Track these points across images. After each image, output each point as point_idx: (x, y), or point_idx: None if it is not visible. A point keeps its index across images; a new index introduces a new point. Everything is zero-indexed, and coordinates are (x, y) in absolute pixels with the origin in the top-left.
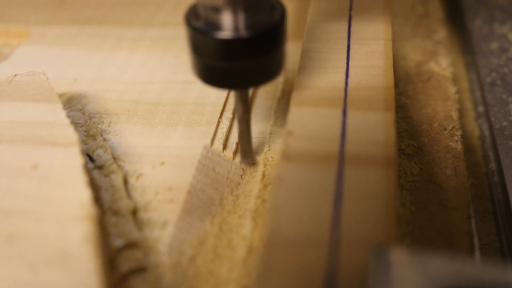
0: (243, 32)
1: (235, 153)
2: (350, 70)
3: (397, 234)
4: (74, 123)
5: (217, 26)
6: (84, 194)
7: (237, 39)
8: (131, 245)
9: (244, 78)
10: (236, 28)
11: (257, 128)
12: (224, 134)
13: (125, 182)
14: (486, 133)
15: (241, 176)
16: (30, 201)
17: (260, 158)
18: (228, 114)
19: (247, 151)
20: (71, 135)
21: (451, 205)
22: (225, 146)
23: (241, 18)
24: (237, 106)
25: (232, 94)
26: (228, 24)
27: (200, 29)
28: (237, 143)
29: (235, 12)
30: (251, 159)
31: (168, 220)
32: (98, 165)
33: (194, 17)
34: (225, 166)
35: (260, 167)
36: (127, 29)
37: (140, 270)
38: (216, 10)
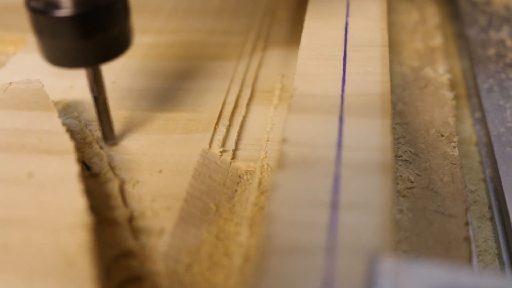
0: (82, 8)
1: (232, 158)
2: (347, 77)
3: (394, 242)
4: (70, 130)
5: (56, 5)
6: (79, 202)
7: (77, 15)
8: (127, 254)
9: (93, 55)
10: (75, 4)
11: (253, 135)
12: (221, 141)
13: (121, 190)
14: (483, 139)
15: (238, 183)
16: (25, 209)
17: (257, 165)
18: (225, 121)
19: (108, 132)
20: (67, 143)
21: (449, 211)
22: (222, 152)
23: None
24: (91, 86)
25: (85, 73)
26: (67, 1)
27: (40, 10)
28: (234, 150)
29: None
30: (114, 141)
31: (164, 228)
32: (94, 173)
33: None
34: (222, 174)
35: (257, 174)
36: None
37: (136, 279)
38: None
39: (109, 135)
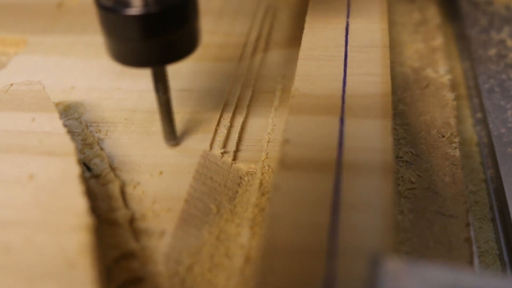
0: (153, 7)
1: (233, 159)
2: (348, 78)
3: (395, 243)
4: (71, 132)
5: (127, 3)
6: (80, 203)
7: (148, 14)
8: (128, 255)
9: (160, 55)
10: (146, 4)
11: (254, 136)
12: (222, 142)
13: (122, 191)
14: (484, 139)
15: (239, 184)
16: (26, 211)
17: (257, 166)
18: (226, 122)
19: (170, 132)
20: (68, 144)
21: (450, 212)
22: (223, 152)
23: None
24: (156, 86)
25: (151, 72)
26: (138, 0)
27: (110, 8)
28: (235, 151)
29: None
30: (176, 142)
31: (165, 229)
32: (95, 174)
33: None
34: (222, 175)
35: (258, 175)
36: None
37: (137, 280)
38: None
39: (170, 135)
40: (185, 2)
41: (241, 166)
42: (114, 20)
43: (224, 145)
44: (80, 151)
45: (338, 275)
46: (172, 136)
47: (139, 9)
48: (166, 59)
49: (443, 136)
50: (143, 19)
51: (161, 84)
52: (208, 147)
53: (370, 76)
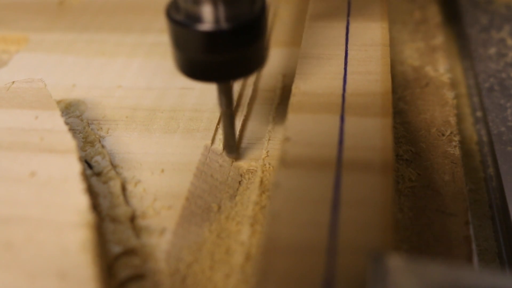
0: (224, 24)
1: (233, 162)
2: (348, 76)
3: (394, 241)
4: (72, 129)
5: (198, 19)
6: (82, 201)
7: (218, 31)
8: (129, 252)
9: (227, 71)
10: (217, 20)
11: (255, 134)
12: (222, 140)
13: (123, 188)
14: (484, 138)
15: (239, 182)
16: (28, 208)
17: (258, 164)
18: None
19: (231, 145)
20: (69, 142)
21: (449, 210)
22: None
23: (222, 10)
24: (220, 100)
25: (216, 86)
26: (209, 16)
27: (181, 22)
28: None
29: (215, 4)
30: (236, 154)
31: (166, 227)
32: (96, 172)
33: (175, 10)
34: (223, 173)
35: (258, 173)
36: (125, 35)
37: (138, 277)
38: (197, 2)
39: (231, 149)
40: (255, 20)
41: (242, 164)
42: (184, 35)
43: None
44: (81, 148)
45: (338, 272)
46: (233, 149)
47: (210, 25)
48: (233, 75)
49: (443, 135)
50: (213, 36)
51: (225, 98)
52: (209, 145)
53: (370, 74)
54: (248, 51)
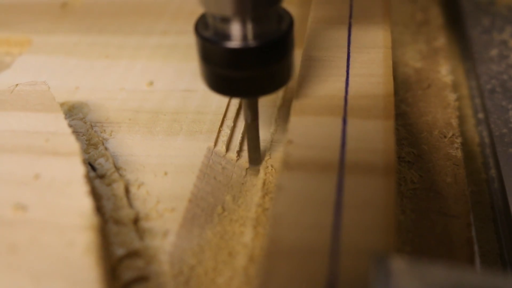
0: (251, 42)
1: (237, 157)
2: (350, 79)
3: (397, 243)
4: (76, 132)
5: (226, 36)
6: (86, 203)
7: (245, 48)
8: (133, 254)
9: (253, 87)
10: (244, 38)
11: None
12: (225, 142)
13: (127, 191)
14: (486, 140)
15: (242, 184)
16: (32, 210)
17: (261, 166)
18: (229, 122)
19: (256, 157)
20: (73, 144)
21: (451, 212)
22: (227, 150)
23: (250, 27)
24: (245, 113)
25: (242, 101)
26: (236, 34)
27: (209, 39)
28: (238, 151)
29: (243, 21)
30: (260, 165)
31: (169, 229)
32: (99, 174)
33: (203, 26)
34: (226, 175)
35: (261, 175)
36: (128, 38)
37: (142, 279)
38: (225, 19)
39: (255, 161)
40: (283, 38)
41: (245, 166)
42: (212, 51)
43: (228, 145)
44: (84, 151)
45: (340, 274)
46: (257, 161)
47: (237, 42)
48: (260, 91)
49: (445, 137)
50: (240, 53)
51: (250, 113)
52: (212, 147)
53: (372, 77)
54: (275, 67)
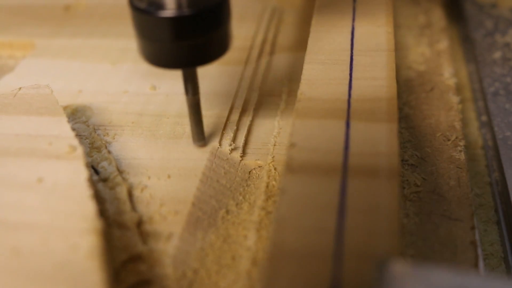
0: (186, 10)
1: (240, 160)
2: (353, 82)
3: (400, 246)
4: (79, 135)
5: (160, 6)
6: (89, 207)
7: (181, 16)
8: (136, 258)
9: (191, 57)
10: (180, 6)
11: (260, 139)
12: (228, 145)
13: (130, 194)
14: (489, 142)
15: (245, 187)
16: (35, 214)
17: (264, 170)
18: (232, 125)
19: (199, 133)
20: (76, 148)
21: (455, 215)
22: (230, 152)
23: None
24: (186, 87)
25: (182, 74)
26: (171, 3)
27: (144, 10)
28: (240, 155)
29: None
30: (204, 142)
31: (172, 232)
32: (103, 178)
33: None
34: (229, 178)
35: (264, 179)
36: (131, 41)
37: (145, 282)
38: None
39: (199, 136)
40: (218, 6)
41: (248, 169)
42: (148, 22)
43: (231, 148)
44: (88, 154)
45: (344, 278)
46: (201, 137)
47: (172, 11)
48: (197, 61)
49: (448, 139)
50: (176, 22)
51: (191, 86)
52: (215, 149)
53: (375, 80)
54: (212, 37)
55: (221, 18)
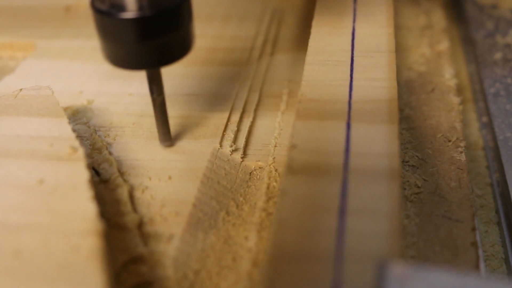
0: (147, 11)
1: (241, 161)
2: (354, 83)
3: (401, 247)
4: (80, 136)
5: (122, 7)
6: (89, 208)
7: (142, 17)
8: (137, 259)
9: (154, 58)
10: (140, 8)
11: (261, 140)
12: (229, 146)
13: (131, 195)
14: (490, 144)
15: (246, 188)
16: (36, 215)
17: (264, 171)
18: (233, 126)
19: (165, 133)
20: (77, 149)
21: (456, 216)
22: (231, 154)
23: None
24: (151, 88)
25: (146, 75)
26: (132, 4)
27: (104, 11)
28: (241, 156)
29: None
30: (170, 142)
31: (173, 233)
32: (103, 179)
33: (100, 1)
34: (230, 179)
35: (265, 180)
36: None
37: (146, 284)
38: None
39: (165, 137)
40: (179, 6)
41: (248, 170)
42: (110, 24)
43: (232, 149)
44: (88, 155)
45: (345, 280)
46: (167, 137)
47: (133, 12)
48: (160, 61)
49: (449, 140)
50: (137, 23)
51: (155, 86)
52: (216, 151)
53: (376, 81)
54: (174, 37)
55: (183, 18)
